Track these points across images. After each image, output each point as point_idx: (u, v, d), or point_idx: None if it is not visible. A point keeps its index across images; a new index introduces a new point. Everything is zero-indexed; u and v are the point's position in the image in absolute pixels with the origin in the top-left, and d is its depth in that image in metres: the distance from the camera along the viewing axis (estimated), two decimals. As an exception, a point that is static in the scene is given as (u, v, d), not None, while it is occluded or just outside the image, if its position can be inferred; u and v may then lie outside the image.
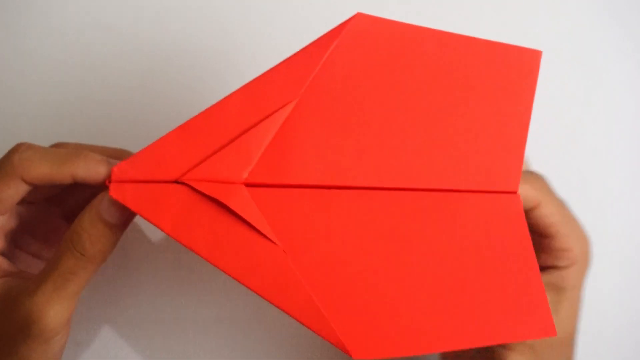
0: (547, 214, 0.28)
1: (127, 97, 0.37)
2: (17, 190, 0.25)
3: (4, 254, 0.27)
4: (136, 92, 0.38)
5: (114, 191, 0.23)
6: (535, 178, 0.29)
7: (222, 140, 0.24)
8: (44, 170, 0.25)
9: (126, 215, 0.25)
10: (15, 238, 0.28)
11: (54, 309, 0.24)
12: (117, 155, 0.28)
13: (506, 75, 0.26)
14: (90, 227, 0.25)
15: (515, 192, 0.26)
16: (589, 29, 0.44)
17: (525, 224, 0.26)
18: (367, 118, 0.25)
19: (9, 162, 0.25)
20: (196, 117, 0.24)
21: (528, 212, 0.28)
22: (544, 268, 0.29)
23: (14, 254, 0.28)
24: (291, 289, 0.23)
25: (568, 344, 0.29)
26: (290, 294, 0.23)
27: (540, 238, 0.29)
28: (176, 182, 0.24)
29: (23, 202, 0.27)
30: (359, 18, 0.25)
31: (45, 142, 0.29)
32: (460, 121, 0.26)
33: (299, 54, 0.25)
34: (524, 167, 0.28)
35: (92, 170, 0.25)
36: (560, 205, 0.29)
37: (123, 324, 0.35)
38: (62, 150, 0.25)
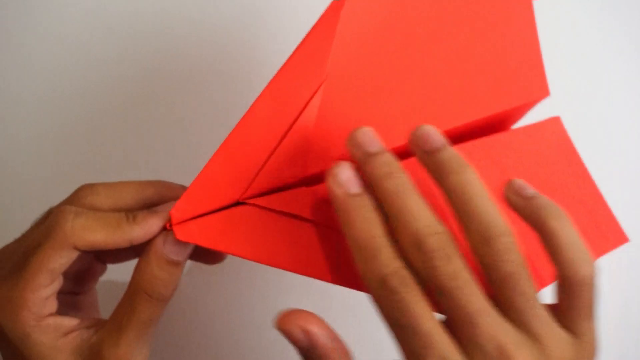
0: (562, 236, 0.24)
1: (130, 97, 0.36)
2: (68, 259, 0.24)
3: (60, 312, 0.26)
4: (140, 92, 0.36)
5: (181, 234, 0.23)
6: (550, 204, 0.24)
7: (267, 148, 0.23)
8: (98, 239, 0.24)
9: (190, 249, 0.25)
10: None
11: (140, 355, 0.25)
12: (159, 191, 0.27)
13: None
14: (160, 272, 0.24)
15: (547, 95, 0.27)
16: (589, 29, 0.44)
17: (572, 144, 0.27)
18: (391, 74, 0.25)
19: (61, 230, 0.24)
20: (232, 132, 0.23)
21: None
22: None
23: (67, 308, 0.28)
24: None
25: None
26: None
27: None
28: (238, 203, 0.23)
29: None
30: None
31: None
32: (479, 52, 0.26)
33: (309, 37, 0.24)
34: None
35: (147, 229, 0.24)
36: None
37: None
38: (112, 215, 0.24)
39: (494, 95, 0.26)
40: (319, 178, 0.24)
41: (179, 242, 0.24)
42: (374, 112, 0.24)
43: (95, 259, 0.30)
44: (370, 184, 0.22)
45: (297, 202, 0.23)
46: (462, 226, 0.22)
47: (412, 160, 0.24)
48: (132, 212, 0.25)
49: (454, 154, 0.22)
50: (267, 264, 0.23)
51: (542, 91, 0.27)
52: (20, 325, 0.24)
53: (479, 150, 0.25)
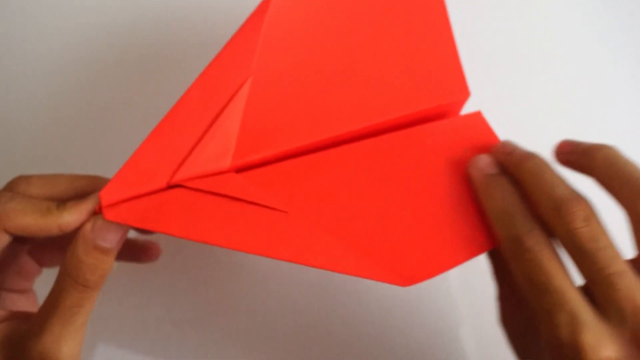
0: None
1: (119, 99, 0.36)
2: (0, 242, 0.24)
3: None
4: (129, 93, 0.37)
5: (110, 215, 0.23)
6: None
7: (197, 134, 0.24)
8: (28, 222, 0.24)
9: (119, 236, 0.25)
10: None
11: (67, 345, 0.24)
12: (92, 184, 0.28)
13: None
14: (87, 257, 0.24)
15: (467, 97, 0.29)
16: (589, 28, 0.47)
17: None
18: (315, 70, 0.26)
19: None
20: (164, 118, 0.24)
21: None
22: None
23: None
24: (324, 246, 0.24)
25: None
26: (325, 251, 0.24)
27: None
28: (168, 187, 0.24)
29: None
30: None
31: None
32: (395, 49, 0.28)
33: (238, 33, 0.26)
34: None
35: (76, 216, 0.24)
36: None
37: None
38: (45, 202, 0.25)
39: (414, 95, 0.28)
40: (247, 167, 0.25)
41: (108, 227, 0.24)
42: (300, 106, 0.26)
43: (29, 256, 0.29)
44: (509, 171, 0.26)
45: (227, 185, 0.24)
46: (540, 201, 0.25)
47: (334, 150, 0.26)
48: (63, 201, 0.25)
49: (523, 151, 0.27)
50: (200, 241, 0.23)
51: (462, 92, 0.29)
52: None
53: (402, 139, 0.27)
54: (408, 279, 0.24)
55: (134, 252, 0.32)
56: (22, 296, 0.29)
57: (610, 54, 0.46)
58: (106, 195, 0.24)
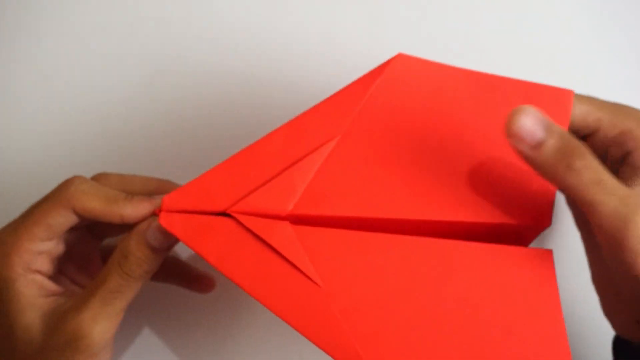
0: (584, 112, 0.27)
1: (164, 124, 0.39)
2: (67, 219, 0.26)
3: (50, 277, 0.28)
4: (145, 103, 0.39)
5: (164, 220, 0.24)
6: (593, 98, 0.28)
7: (268, 174, 0.25)
8: (95, 206, 0.26)
9: (170, 242, 0.26)
10: (60, 263, 0.29)
11: (100, 325, 0.26)
12: (161, 187, 0.29)
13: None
14: (137, 250, 0.26)
15: (548, 225, 0.27)
16: (589, 28, 0.45)
17: (555, 281, 0.26)
18: (405, 153, 0.26)
19: (65, 191, 0.26)
20: (243, 150, 0.25)
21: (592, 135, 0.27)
22: (622, 156, 0.27)
23: (58, 279, 0.29)
24: (331, 329, 0.23)
25: None
26: (330, 335, 0.23)
27: (593, 137, 0.28)
28: (223, 214, 0.24)
29: (69, 229, 0.28)
30: (399, 58, 0.26)
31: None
32: (493, 157, 0.27)
33: (342, 92, 0.26)
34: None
35: (139, 210, 0.26)
36: (589, 97, 0.28)
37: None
38: (112, 191, 0.27)
39: (493, 206, 0.26)
40: (304, 219, 0.25)
41: (162, 231, 0.25)
42: (376, 180, 0.26)
43: (99, 257, 0.32)
44: None
45: (275, 233, 0.24)
46: None
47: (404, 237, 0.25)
48: (132, 194, 0.27)
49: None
50: (228, 277, 0.24)
51: (544, 220, 0.27)
52: (8, 268, 0.26)
53: (459, 250, 0.26)
54: None
55: (189, 279, 0.33)
56: (75, 288, 0.31)
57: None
58: (168, 201, 0.25)
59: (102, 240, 0.32)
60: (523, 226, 0.27)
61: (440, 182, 0.26)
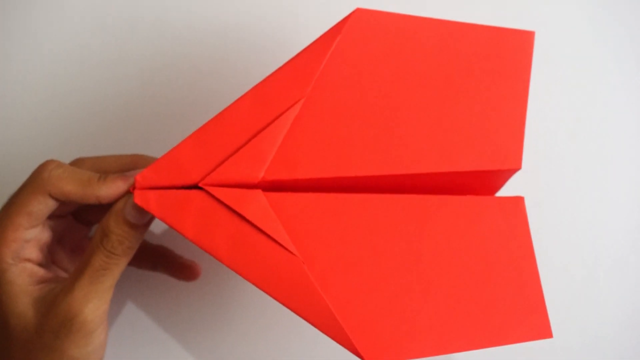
0: None
1: (130, 101, 0.38)
2: (46, 205, 0.27)
3: (39, 264, 0.28)
4: (138, 95, 0.39)
5: (138, 198, 0.25)
6: None
7: (236, 143, 0.25)
8: (70, 190, 0.26)
9: (148, 217, 0.27)
10: (51, 250, 0.30)
11: (92, 302, 0.26)
12: (135, 162, 0.30)
13: (502, 56, 0.27)
14: (116, 228, 0.26)
15: (518, 168, 0.27)
16: (589, 29, 0.44)
17: (528, 228, 0.27)
18: (372, 109, 0.26)
19: (39, 178, 0.26)
20: (209, 121, 0.25)
21: None
22: None
23: (50, 268, 0.30)
24: (307, 296, 0.24)
25: None
26: (307, 301, 0.24)
27: None
28: (195, 187, 0.25)
29: (53, 216, 0.29)
30: (358, 13, 0.26)
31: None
32: (462, 105, 0.27)
33: (303, 54, 0.26)
34: None
35: (112, 191, 0.26)
36: None
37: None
38: (87, 172, 0.27)
39: (462, 153, 0.27)
40: (276, 185, 0.25)
41: (136, 208, 0.26)
42: (343, 140, 0.26)
43: (74, 219, 0.32)
44: None
45: (247, 203, 0.24)
46: None
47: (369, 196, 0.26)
48: (106, 173, 0.27)
49: None
50: (206, 250, 0.24)
51: (514, 163, 0.27)
52: None
53: (433, 205, 0.26)
54: (371, 354, 0.24)
55: (175, 267, 0.34)
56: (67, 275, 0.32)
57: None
58: (141, 179, 0.25)
59: (90, 228, 0.33)
60: (494, 171, 0.27)
61: (409, 135, 0.26)
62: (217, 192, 0.24)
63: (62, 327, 0.26)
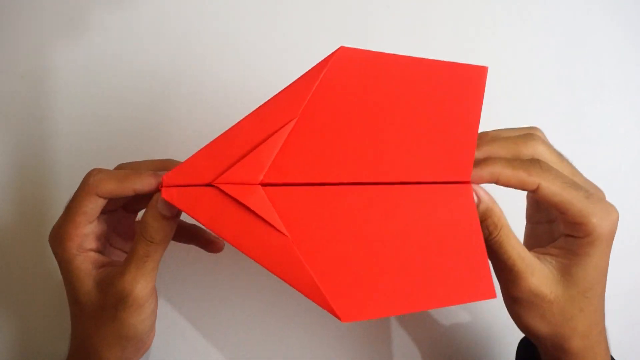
0: (550, 194, 0.33)
1: (158, 119, 0.46)
2: (96, 204, 0.34)
3: (99, 251, 0.36)
4: (167, 113, 0.46)
5: (165, 194, 0.32)
6: (533, 164, 0.33)
7: (241, 153, 0.31)
8: (111, 187, 0.34)
9: (175, 210, 0.34)
10: (108, 238, 0.37)
11: (140, 283, 0.34)
12: (166, 165, 0.37)
13: (458, 87, 0.33)
14: (153, 221, 0.33)
15: (467, 182, 0.33)
16: (590, 29, 0.49)
17: (475, 211, 0.33)
18: (351, 129, 0.32)
19: (87, 183, 0.34)
20: (220, 136, 0.32)
21: (533, 194, 0.33)
22: (566, 235, 0.34)
23: (109, 251, 0.38)
24: (295, 268, 0.30)
25: (590, 296, 0.34)
26: (294, 272, 0.30)
27: (557, 212, 0.34)
28: (209, 185, 0.32)
29: (106, 211, 0.36)
30: (342, 50, 0.32)
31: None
32: (422, 127, 0.33)
33: (296, 82, 0.32)
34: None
35: (145, 184, 0.33)
36: (565, 184, 0.33)
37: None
38: (123, 171, 0.34)
39: (427, 166, 0.33)
40: (274, 184, 0.32)
41: (165, 203, 0.33)
42: (329, 153, 0.32)
43: (124, 210, 0.39)
44: None
45: (249, 196, 0.31)
46: None
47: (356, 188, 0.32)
48: (142, 170, 0.34)
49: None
50: (216, 233, 0.31)
51: (462, 174, 0.33)
52: (66, 252, 0.35)
53: (400, 194, 0.32)
54: (346, 315, 0.30)
55: (204, 242, 0.42)
56: (123, 255, 0.40)
57: None
58: (167, 179, 0.32)
59: (137, 214, 0.41)
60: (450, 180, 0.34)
61: (380, 151, 0.33)
62: (226, 188, 0.31)
63: (119, 303, 0.34)
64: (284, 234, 0.31)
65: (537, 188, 0.33)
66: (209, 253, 0.42)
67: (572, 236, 0.33)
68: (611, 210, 0.33)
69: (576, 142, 0.49)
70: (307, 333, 0.46)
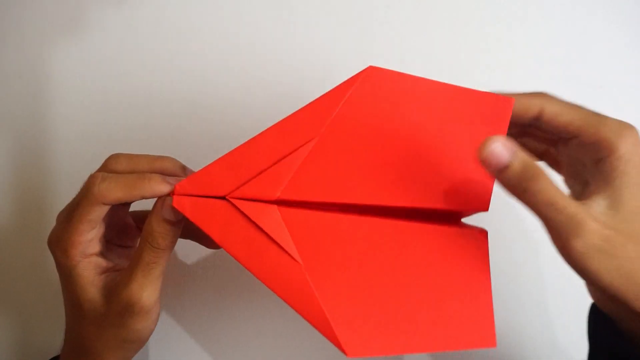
0: (556, 114, 0.31)
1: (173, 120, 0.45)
2: (101, 211, 0.33)
3: (100, 253, 0.35)
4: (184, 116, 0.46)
5: (176, 202, 0.31)
6: (536, 92, 0.32)
7: (260, 167, 0.30)
8: (120, 196, 0.33)
9: (181, 215, 0.33)
10: (105, 235, 0.36)
11: (146, 291, 0.33)
12: (163, 161, 0.35)
13: (483, 116, 0.33)
14: (158, 227, 0.32)
15: (485, 210, 0.33)
16: (590, 30, 0.49)
17: (487, 257, 0.33)
18: (373, 150, 0.32)
19: (90, 193, 0.32)
20: (238, 147, 0.31)
21: (539, 121, 0.31)
22: (595, 163, 0.30)
23: (107, 248, 0.37)
24: (305, 297, 0.30)
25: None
26: (304, 300, 0.30)
27: (572, 141, 0.31)
28: (223, 198, 0.31)
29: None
30: (370, 70, 0.31)
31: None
32: (444, 154, 0.32)
33: (321, 99, 0.31)
34: None
35: (156, 191, 0.32)
36: (571, 105, 0.31)
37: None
38: (130, 177, 0.33)
39: (444, 194, 0.32)
40: (289, 204, 0.31)
41: (173, 210, 0.32)
42: (347, 173, 0.31)
43: (132, 221, 0.39)
44: None
45: (264, 216, 0.30)
46: None
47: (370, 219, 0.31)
48: (149, 173, 0.33)
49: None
50: (227, 250, 0.30)
51: (481, 205, 0.33)
52: (69, 260, 0.34)
53: (412, 230, 0.32)
54: (352, 350, 0.29)
55: (201, 235, 0.40)
56: (125, 250, 0.39)
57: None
58: (179, 187, 0.31)
59: (129, 206, 0.39)
60: (466, 211, 0.33)
61: (400, 175, 0.32)
62: (239, 204, 0.30)
63: (125, 311, 0.33)
64: (296, 261, 0.30)
65: (542, 112, 0.31)
66: (209, 250, 0.41)
67: (599, 160, 0.30)
68: (626, 123, 0.30)
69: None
70: (308, 334, 0.46)
